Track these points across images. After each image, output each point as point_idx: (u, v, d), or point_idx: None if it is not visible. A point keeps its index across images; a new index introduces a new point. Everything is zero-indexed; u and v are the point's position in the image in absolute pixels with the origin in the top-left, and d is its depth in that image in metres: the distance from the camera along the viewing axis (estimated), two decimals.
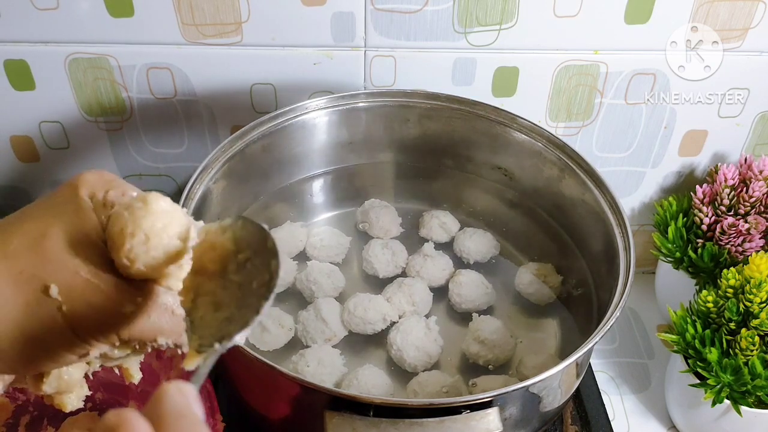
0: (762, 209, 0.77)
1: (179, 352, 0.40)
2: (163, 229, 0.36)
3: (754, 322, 0.65)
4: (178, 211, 0.38)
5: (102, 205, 0.38)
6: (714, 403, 0.67)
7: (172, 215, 0.37)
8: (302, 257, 0.77)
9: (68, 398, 0.42)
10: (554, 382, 0.60)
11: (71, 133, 0.83)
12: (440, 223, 0.79)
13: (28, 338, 0.36)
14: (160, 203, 0.37)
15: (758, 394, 0.66)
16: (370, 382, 0.63)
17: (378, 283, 0.75)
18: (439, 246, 0.78)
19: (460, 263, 0.77)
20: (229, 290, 0.37)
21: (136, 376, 0.44)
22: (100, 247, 0.37)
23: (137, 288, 0.37)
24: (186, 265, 0.37)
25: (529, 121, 0.76)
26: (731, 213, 0.77)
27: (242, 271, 0.38)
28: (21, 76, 0.78)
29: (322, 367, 0.64)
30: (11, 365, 0.37)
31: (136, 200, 0.37)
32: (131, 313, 0.37)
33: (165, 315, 0.39)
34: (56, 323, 0.36)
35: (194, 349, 0.35)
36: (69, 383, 0.41)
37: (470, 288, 0.73)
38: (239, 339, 0.36)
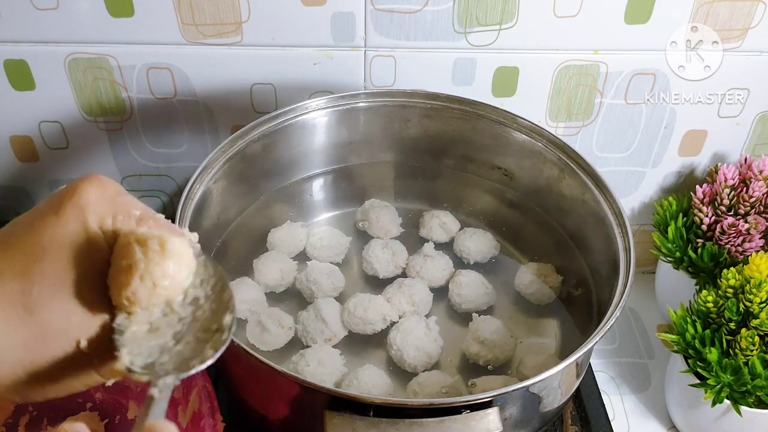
0: (762, 209, 0.77)
1: None
2: (172, 278, 0.36)
3: (754, 322, 0.65)
4: (189, 255, 0.38)
5: (112, 233, 0.37)
6: (714, 403, 0.67)
7: (183, 262, 0.37)
8: (302, 257, 0.77)
9: None
10: (554, 382, 0.60)
11: (71, 133, 0.83)
12: (440, 223, 0.79)
13: (53, 383, 0.37)
14: (174, 251, 0.36)
15: (758, 394, 0.66)
16: (370, 382, 0.63)
17: (378, 283, 0.75)
18: (439, 246, 0.78)
19: (460, 263, 0.77)
20: (168, 318, 0.37)
21: None
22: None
23: None
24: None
25: (529, 121, 0.76)
26: (731, 213, 0.77)
27: (186, 307, 0.37)
28: (21, 76, 0.78)
29: (322, 367, 0.64)
30: (25, 400, 0.38)
31: (153, 241, 0.36)
32: None
33: None
34: (85, 371, 0.37)
35: (125, 365, 0.35)
36: None
37: (470, 288, 0.73)
38: (178, 381, 0.36)
